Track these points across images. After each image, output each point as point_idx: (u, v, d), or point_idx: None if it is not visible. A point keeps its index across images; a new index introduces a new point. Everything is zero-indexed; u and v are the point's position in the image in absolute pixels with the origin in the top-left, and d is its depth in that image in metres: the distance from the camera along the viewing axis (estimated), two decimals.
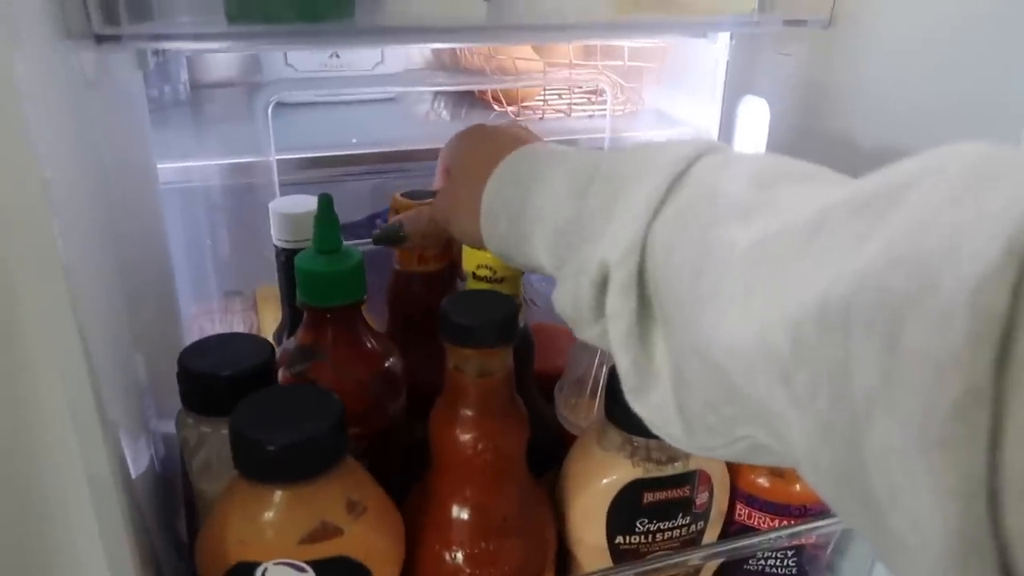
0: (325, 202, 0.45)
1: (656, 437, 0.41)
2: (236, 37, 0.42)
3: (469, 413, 0.39)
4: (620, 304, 0.30)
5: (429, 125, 0.79)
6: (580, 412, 0.50)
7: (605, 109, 0.76)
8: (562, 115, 0.74)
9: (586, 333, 0.33)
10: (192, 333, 0.72)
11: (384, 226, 0.48)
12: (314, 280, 0.45)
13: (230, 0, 0.39)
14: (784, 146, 0.56)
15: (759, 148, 0.58)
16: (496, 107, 0.76)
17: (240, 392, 0.37)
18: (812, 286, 0.22)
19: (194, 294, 0.73)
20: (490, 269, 0.45)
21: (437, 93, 0.83)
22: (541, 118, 0.73)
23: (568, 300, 0.33)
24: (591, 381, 0.51)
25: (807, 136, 0.54)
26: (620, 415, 0.42)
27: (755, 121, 0.60)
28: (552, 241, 0.34)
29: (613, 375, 0.43)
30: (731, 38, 0.58)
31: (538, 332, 0.61)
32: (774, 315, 0.23)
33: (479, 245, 0.39)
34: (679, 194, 0.29)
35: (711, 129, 0.66)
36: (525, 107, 0.74)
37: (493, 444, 0.39)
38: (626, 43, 0.71)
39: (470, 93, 0.82)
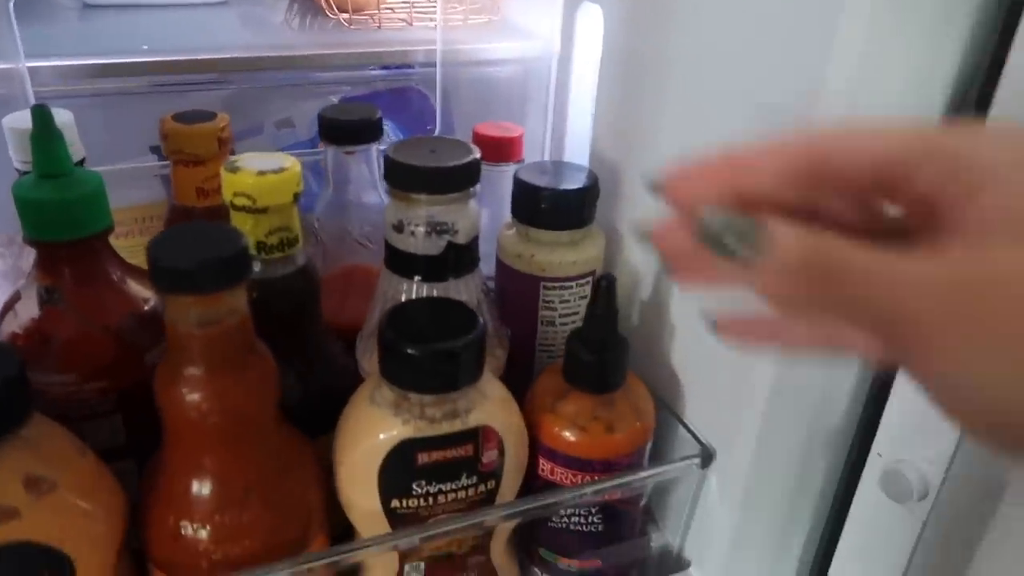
0: (40, 115, 0.37)
1: (432, 392, 0.36)
2: None
3: (193, 371, 0.33)
4: None
5: (255, 30, 0.69)
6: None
7: (458, 19, 0.69)
8: (403, 24, 0.66)
9: None
10: None
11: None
12: (34, 209, 0.38)
13: None
14: (618, 58, 0.50)
15: (596, 59, 0.52)
16: (329, 14, 0.67)
17: None
18: None
19: None
20: (249, 197, 0.38)
21: None
22: (378, 27, 0.65)
23: None
24: None
25: (639, 50, 0.48)
26: (392, 368, 0.37)
27: (592, 30, 0.54)
28: None
29: (388, 322, 0.37)
30: None
31: (354, 274, 0.55)
32: None
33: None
34: None
35: (553, 39, 0.59)
36: (359, 15, 0.66)
37: (224, 405, 0.33)
38: None
39: None
